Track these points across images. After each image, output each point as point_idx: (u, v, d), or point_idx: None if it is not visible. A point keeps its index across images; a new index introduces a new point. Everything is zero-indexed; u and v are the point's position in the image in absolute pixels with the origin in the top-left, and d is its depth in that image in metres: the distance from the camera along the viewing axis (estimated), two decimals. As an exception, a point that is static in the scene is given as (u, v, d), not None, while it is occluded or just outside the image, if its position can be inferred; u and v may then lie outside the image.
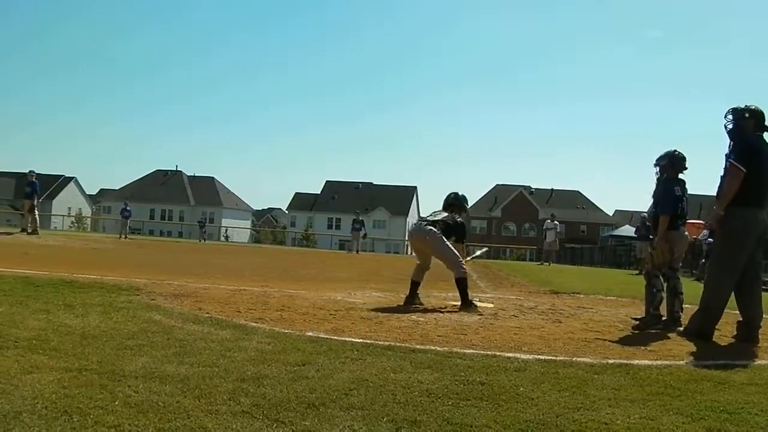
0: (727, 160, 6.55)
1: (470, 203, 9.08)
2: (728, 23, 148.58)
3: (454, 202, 8.90)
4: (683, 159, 7.68)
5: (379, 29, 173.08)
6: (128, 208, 37.51)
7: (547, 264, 29.52)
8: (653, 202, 7.82)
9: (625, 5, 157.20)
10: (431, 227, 8.52)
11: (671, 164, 7.62)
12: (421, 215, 9.53)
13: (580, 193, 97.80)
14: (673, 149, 7.78)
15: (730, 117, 6.68)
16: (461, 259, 8.57)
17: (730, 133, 6.69)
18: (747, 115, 6.64)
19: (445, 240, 8.55)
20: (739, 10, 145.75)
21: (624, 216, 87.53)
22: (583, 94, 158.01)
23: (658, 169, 7.79)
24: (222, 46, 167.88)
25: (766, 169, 6.48)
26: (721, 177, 6.64)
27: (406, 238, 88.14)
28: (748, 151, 6.47)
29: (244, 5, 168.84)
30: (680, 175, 7.58)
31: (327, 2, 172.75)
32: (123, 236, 34.25)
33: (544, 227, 31.87)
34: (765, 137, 6.63)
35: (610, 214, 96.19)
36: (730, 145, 6.63)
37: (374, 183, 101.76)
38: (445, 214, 8.71)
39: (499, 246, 74.50)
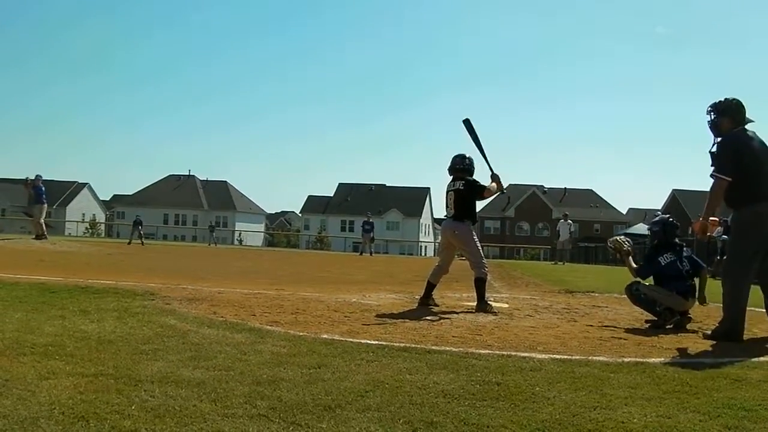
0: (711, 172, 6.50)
1: (482, 205, 9.05)
2: (746, 21, 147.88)
3: (462, 167, 8.76)
4: (676, 226, 7.84)
5: (391, 31, 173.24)
6: (139, 219, 38.83)
7: (561, 263, 29.46)
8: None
9: (637, 3, 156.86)
10: (461, 221, 8.53)
11: (663, 231, 7.77)
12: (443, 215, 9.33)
13: (593, 191, 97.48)
14: (667, 216, 8.14)
15: (711, 114, 6.63)
16: (484, 259, 8.58)
17: (711, 129, 6.63)
18: (721, 111, 6.56)
19: (475, 238, 8.58)
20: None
21: (638, 214, 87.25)
22: (595, 93, 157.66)
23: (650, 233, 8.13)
24: (235, 49, 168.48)
25: (762, 159, 6.43)
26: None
27: (422, 238, 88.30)
28: (733, 153, 6.40)
29: (255, 8, 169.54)
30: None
31: (340, 5, 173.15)
32: (140, 241, 35.56)
33: (558, 227, 31.83)
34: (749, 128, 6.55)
35: (624, 213, 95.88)
36: (714, 142, 6.57)
37: (387, 185, 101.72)
38: (462, 182, 8.63)
39: (512, 246, 74.43)
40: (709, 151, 6.56)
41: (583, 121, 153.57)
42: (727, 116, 6.53)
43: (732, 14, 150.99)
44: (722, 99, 6.62)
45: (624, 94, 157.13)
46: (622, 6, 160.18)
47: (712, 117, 6.61)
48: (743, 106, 6.58)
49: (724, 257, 7.24)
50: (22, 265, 12.72)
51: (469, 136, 8.77)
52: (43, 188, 23.27)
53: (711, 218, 7.09)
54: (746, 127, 6.54)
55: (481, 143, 8.73)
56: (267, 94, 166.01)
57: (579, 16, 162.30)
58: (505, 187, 8.78)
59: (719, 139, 6.56)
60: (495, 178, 8.64)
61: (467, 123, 8.79)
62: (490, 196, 8.74)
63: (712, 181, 6.48)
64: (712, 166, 6.50)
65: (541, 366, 4.81)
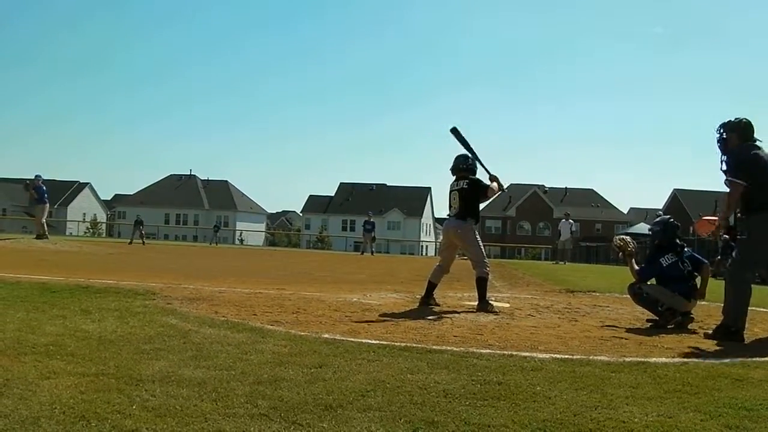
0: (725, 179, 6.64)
1: (483, 204, 9.04)
2: (745, 20, 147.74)
3: (465, 166, 8.73)
4: (677, 226, 7.84)
5: (391, 31, 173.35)
6: (140, 218, 39.34)
7: (562, 263, 29.46)
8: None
9: (636, 3, 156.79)
10: (463, 220, 8.52)
11: (664, 231, 7.75)
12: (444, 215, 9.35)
13: (594, 191, 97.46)
14: (668, 216, 8.12)
15: (720, 132, 6.77)
16: (486, 258, 8.58)
17: (719, 147, 6.78)
18: (730, 128, 6.70)
19: (477, 237, 8.59)
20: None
21: (639, 214, 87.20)
22: (597, 93, 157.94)
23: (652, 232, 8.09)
24: (236, 49, 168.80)
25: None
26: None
27: (423, 237, 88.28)
28: (741, 163, 6.53)
29: (256, 8, 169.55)
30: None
31: (340, 5, 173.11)
32: (141, 241, 36.21)
33: (559, 226, 31.82)
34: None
35: (625, 212, 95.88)
36: (721, 159, 6.68)
37: (388, 184, 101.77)
38: (466, 181, 8.61)
39: (514, 245, 74.39)
40: (721, 169, 6.67)
41: (584, 121, 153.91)
42: (736, 133, 6.67)
43: (730, 14, 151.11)
44: (732, 118, 6.75)
45: (624, 94, 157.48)
46: (621, 6, 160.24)
47: (721, 134, 6.75)
48: (752, 125, 6.71)
49: (725, 257, 7.24)
50: (23, 264, 12.73)
51: (459, 144, 8.79)
52: (44, 188, 23.21)
53: (712, 218, 7.13)
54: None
55: (473, 148, 8.74)
56: (268, 93, 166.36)
57: (578, 16, 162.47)
58: (505, 186, 8.81)
59: (729, 151, 6.68)
60: (494, 178, 8.66)
61: (455, 131, 8.80)
62: (494, 195, 8.76)
63: (725, 187, 6.63)
64: (726, 176, 6.63)
65: (542, 365, 4.81)
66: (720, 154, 6.72)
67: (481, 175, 8.68)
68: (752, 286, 6.64)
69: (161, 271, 13.66)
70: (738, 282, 6.56)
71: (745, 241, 6.60)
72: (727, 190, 6.60)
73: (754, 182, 6.43)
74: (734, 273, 6.64)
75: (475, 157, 8.70)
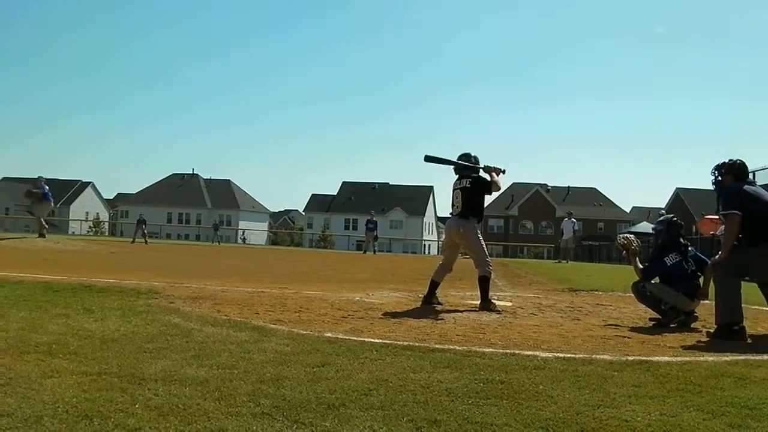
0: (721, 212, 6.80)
1: (486, 203, 9.01)
2: (746, 19, 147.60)
3: (468, 164, 8.75)
4: (680, 225, 7.85)
5: (394, 30, 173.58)
6: (143, 217, 39.74)
7: (565, 261, 29.42)
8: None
9: (639, 2, 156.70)
10: (466, 219, 8.51)
11: (668, 230, 7.75)
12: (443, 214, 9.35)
13: (596, 190, 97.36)
14: (671, 215, 8.14)
15: (715, 174, 6.93)
16: (488, 257, 8.58)
17: (715, 189, 7.01)
18: (725, 170, 6.85)
19: (479, 236, 8.58)
20: None
21: (641, 212, 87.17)
22: (599, 92, 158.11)
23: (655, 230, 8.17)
24: (238, 48, 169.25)
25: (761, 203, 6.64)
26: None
27: (426, 236, 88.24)
28: (735, 196, 6.61)
29: (256, 8, 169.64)
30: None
31: (341, 4, 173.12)
32: (144, 240, 36.30)
33: (562, 225, 31.79)
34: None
35: (628, 211, 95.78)
36: (718, 201, 6.79)
37: (390, 183, 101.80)
38: (469, 179, 8.59)
39: (516, 244, 74.35)
40: (717, 212, 6.79)
41: (586, 120, 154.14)
42: (731, 174, 6.83)
43: (731, 13, 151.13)
44: (726, 160, 6.92)
45: (626, 93, 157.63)
46: (623, 6, 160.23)
47: (716, 176, 6.93)
48: (745, 165, 6.90)
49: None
50: (26, 263, 12.74)
51: (442, 165, 8.78)
52: (47, 188, 23.16)
53: (714, 216, 7.17)
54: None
55: (452, 160, 8.72)
56: (270, 92, 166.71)
57: (579, 16, 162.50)
58: (501, 168, 8.73)
59: (724, 189, 6.84)
60: (489, 168, 8.63)
61: (428, 158, 8.78)
62: (498, 189, 8.74)
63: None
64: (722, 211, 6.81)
65: (544, 364, 4.80)
66: (716, 196, 6.87)
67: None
68: (750, 285, 6.67)
69: (164, 270, 13.66)
70: (728, 280, 6.58)
71: (746, 254, 6.59)
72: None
73: (749, 214, 6.50)
74: (723, 276, 6.65)
75: (461, 165, 8.66)
